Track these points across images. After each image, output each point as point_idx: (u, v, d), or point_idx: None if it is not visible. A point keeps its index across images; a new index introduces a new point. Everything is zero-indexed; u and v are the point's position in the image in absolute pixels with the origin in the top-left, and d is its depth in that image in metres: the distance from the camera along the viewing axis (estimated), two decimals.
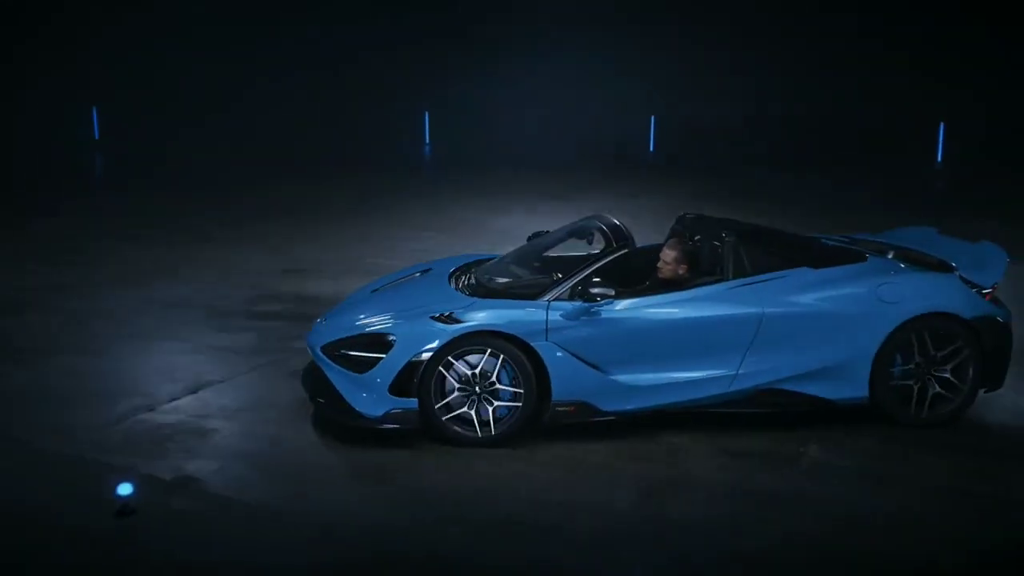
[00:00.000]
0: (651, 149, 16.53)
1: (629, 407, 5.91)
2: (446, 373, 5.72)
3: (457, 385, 5.73)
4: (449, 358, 5.69)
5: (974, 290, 6.08)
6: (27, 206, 12.49)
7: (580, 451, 5.79)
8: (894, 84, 18.92)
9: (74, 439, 5.88)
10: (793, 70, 19.57)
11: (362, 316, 6.16)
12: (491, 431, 5.75)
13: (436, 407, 5.73)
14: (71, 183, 14.23)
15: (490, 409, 5.75)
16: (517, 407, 5.75)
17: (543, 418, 5.86)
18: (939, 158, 16.57)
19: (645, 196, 12.86)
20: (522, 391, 5.73)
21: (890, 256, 6.44)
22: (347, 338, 5.97)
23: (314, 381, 6.14)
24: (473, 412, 5.77)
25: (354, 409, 5.81)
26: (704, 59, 20.37)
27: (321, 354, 6.01)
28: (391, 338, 5.83)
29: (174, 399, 6.48)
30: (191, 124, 18.15)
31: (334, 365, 5.91)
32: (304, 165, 15.44)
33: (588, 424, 5.90)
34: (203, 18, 22.34)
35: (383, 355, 5.78)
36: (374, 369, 5.78)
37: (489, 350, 5.69)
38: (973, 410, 6.16)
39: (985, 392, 6.15)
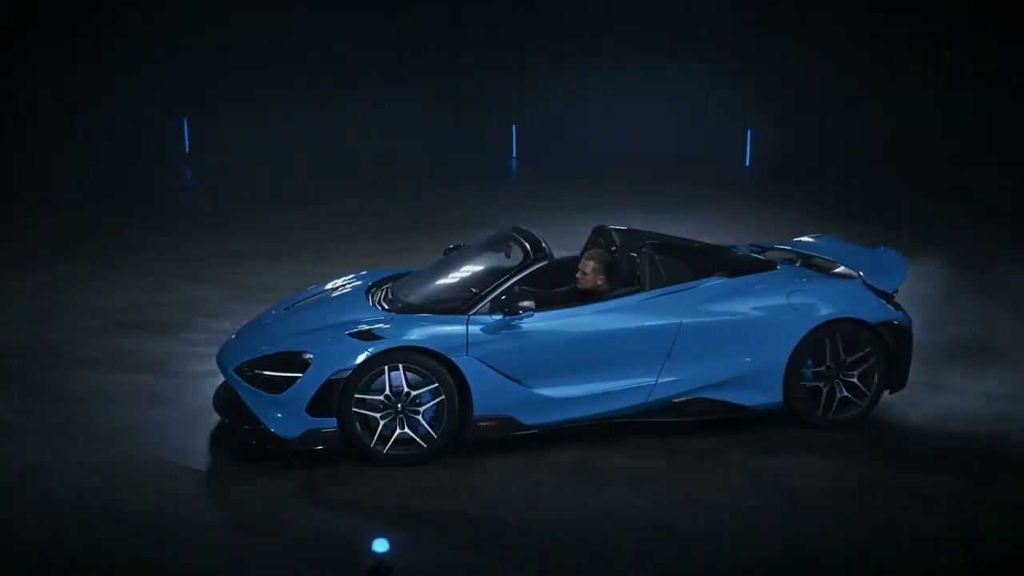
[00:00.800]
0: (746, 164, 15.70)
1: (551, 420, 5.89)
2: (384, 377, 5.61)
3: (385, 393, 5.62)
4: (381, 368, 5.58)
5: (877, 295, 6.30)
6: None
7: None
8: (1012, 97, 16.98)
9: None
10: (905, 82, 18.10)
11: (277, 334, 5.99)
12: (384, 448, 5.64)
13: (355, 397, 5.58)
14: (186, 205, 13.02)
15: (397, 431, 5.65)
16: (422, 445, 5.67)
17: (465, 433, 5.79)
18: None
19: (742, 211, 11.85)
20: (435, 435, 5.66)
21: (798, 264, 6.62)
22: (261, 357, 5.79)
23: (227, 402, 5.93)
24: (383, 422, 5.64)
25: (269, 431, 5.64)
26: (803, 70, 18.81)
27: (234, 374, 5.82)
28: (307, 356, 5.68)
29: None
30: (278, 136, 17.19)
31: (248, 386, 5.73)
32: (400, 178, 14.34)
33: (512, 438, 5.87)
34: (293, 24, 21.38)
35: (300, 374, 5.63)
36: (290, 389, 5.63)
37: (434, 383, 5.63)
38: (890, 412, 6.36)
39: (890, 393, 6.36)
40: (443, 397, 5.67)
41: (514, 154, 16.41)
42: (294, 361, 5.68)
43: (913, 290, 6.92)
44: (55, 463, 5.75)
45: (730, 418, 6.15)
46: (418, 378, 5.67)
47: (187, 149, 16.29)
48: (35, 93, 18.90)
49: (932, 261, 7.81)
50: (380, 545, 4.54)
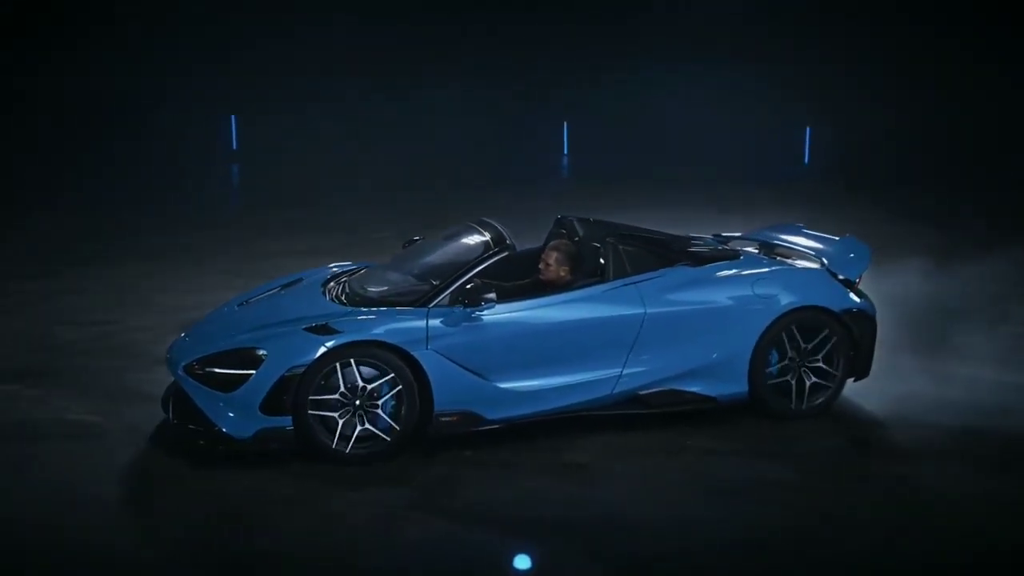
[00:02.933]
0: (805, 162, 15.22)
1: (515, 414, 5.74)
2: (337, 375, 5.42)
3: (340, 390, 5.43)
4: (336, 366, 5.39)
5: (840, 283, 6.25)
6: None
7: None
8: None
9: None
10: (966, 77, 17.53)
11: (229, 330, 5.77)
12: (346, 448, 5.46)
13: (312, 423, 5.41)
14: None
15: (358, 428, 5.46)
16: (385, 439, 5.50)
17: (427, 429, 5.62)
18: None
19: (802, 210, 11.05)
20: (398, 428, 5.50)
21: (761, 253, 6.55)
22: (212, 354, 5.57)
23: (175, 403, 5.70)
24: (341, 421, 5.45)
25: (221, 431, 5.42)
26: (864, 65, 18.24)
27: (183, 373, 5.59)
28: (261, 352, 5.47)
29: None
30: (324, 131, 16.62)
31: (197, 384, 5.50)
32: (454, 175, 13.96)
33: (474, 433, 5.71)
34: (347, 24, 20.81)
35: (252, 371, 5.42)
36: (243, 387, 5.41)
37: (389, 374, 5.45)
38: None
39: (854, 381, 6.31)
40: (400, 387, 5.49)
41: (565, 151, 16.11)
42: (247, 358, 5.47)
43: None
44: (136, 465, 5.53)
45: (696, 409, 6.05)
46: (373, 371, 5.49)
47: (234, 146, 15.99)
48: (79, 91, 18.57)
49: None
50: (523, 562, 4.41)
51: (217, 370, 5.49)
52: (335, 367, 5.42)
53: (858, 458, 5.81)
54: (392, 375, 5.47)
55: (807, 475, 5.56)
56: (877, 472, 5.62)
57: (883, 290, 6.95)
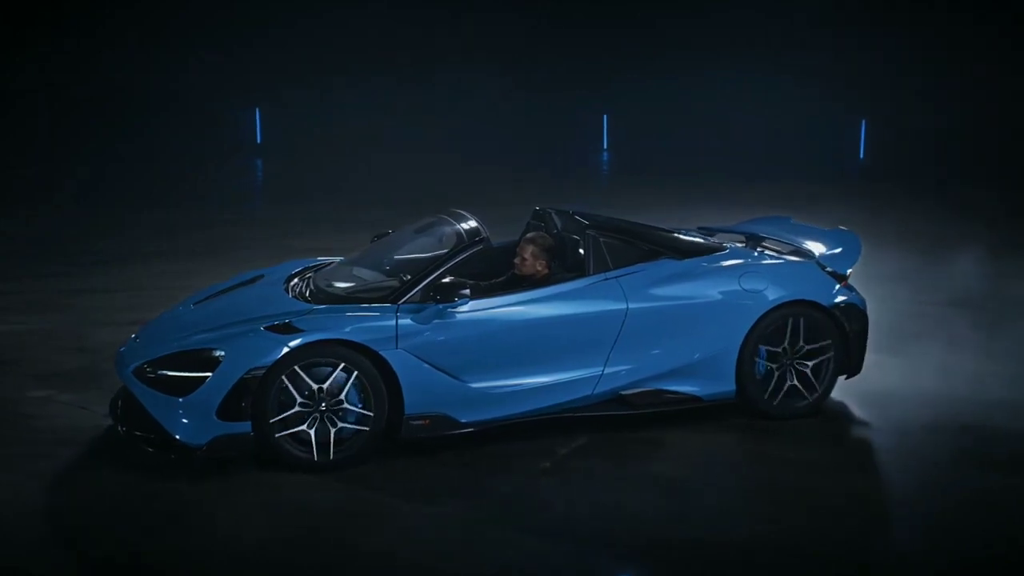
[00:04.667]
0: (860, 157, 14.65)
1: (490, 416, 5.41)
2: (288, 386, 5.05)
3: (299, 400, 5.08)
4: (295, 368, 5.04)
5: (831, 277, 5.98)
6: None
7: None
8: None
9: None
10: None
11: (183, 331, 5.40)
12: (329, 455, 5.12)
13: (271, 422, 5.05)
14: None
15: (332, 431, 5.12)
16: (364, 429, 5.16)
17: (398, 433, 5.28)
18: None
19: (859, 208, 10.78)
20: (371, 414, 5.15)
21: (749, 245, 6.26)
22: (165, 356, 5.19)
23: (125, 409, 5.32)
24: (313, 432, 5.12)
25: (174, 438, 5.04)
26: (921, 56, 17.64)
27: (132, 376, 5.20)
28: (218, 354, 5.10)
29: None
30: (359, 122, 16.03)
31: (148, 388, 5.12)
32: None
33: (448, 438, 5.38)
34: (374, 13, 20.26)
35: (208, 373, 5.05)
36: (198, 390, 5.04)
37: (340, 364, 5.09)
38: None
39: (846, 379, 6.03)
40: (356, 372, 5.12)
41: (605, 145, 15.54)
42: (202, 359, 5.10)
43: None
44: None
45: (682, 410, 5.75)
46: (323, 369, 5.11)
47: (259, 140, 15.50)
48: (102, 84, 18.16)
49: None
50: None
51: (170, 373, 5.11)
52: (283, 382, 5.03)
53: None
54: (341, 364, 5.10)
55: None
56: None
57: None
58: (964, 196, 12.03)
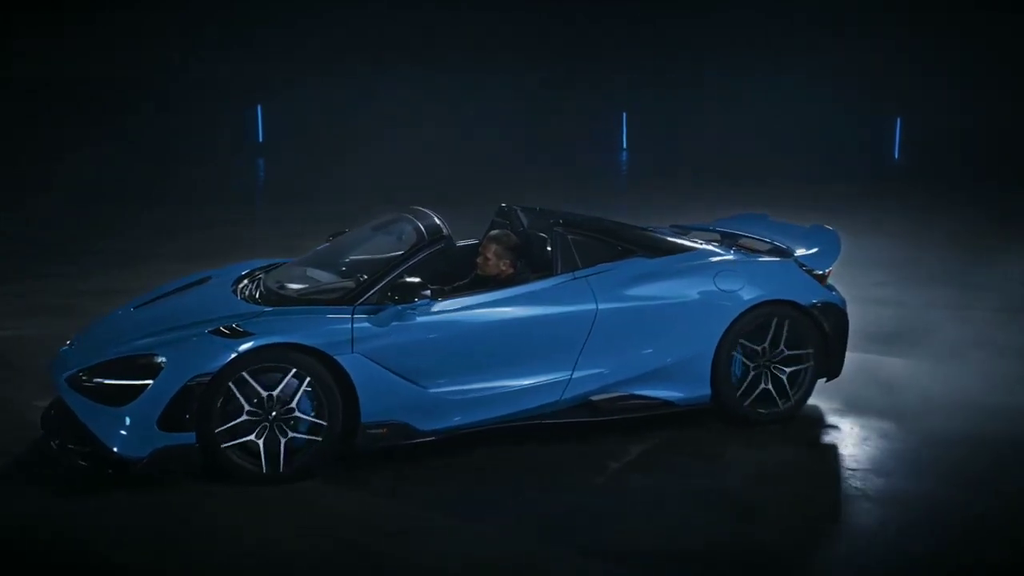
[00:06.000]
0: (895, 157, 14.24)
1: (451, 424, 5.11)
2: (236, 393, 4.72)
3: (247, 408, 4.74)
4: (244, 374, 4.71)
5: (810, 275, 5.74)
6: None
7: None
8: None
9: None
10: None
11: (123, 335, 5.04)
12: (279, 466, 4.79)
13: (217, 432, 4.72)
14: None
15: (283, 440, 4.80)
16: (316, 439, 4.83)
17: (355, 442, 4.96)
18: None
19: (896, 212, 10.41)
20: (324, 423, 4.83)
21: (725, 244, 6.02)
22: (102, 363, 4.83)
23: (56, 420, 4.95)
24: (262, 442, 4.79)
25: (111, 451, 4.68)
26: (959, 53, 17.12)
27: (66, 385, 4.84)
28: (159, 360, 4.76)
29: None
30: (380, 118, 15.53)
31: (83, 398, 4.76)
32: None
33: (407, 447, 5.06)
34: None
35: (149, 381, 4.71)
36: (138, 399, 4.69)
37: (291, 370, 4.77)
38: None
39: (826, 382, 5.79)
40: (308, 378, 4.80)
41: (624, 145, 15.05)
42: (143, 366, 4.75)
43: None
44: None
45: (654, 416, 5.47)
46: (274, 375, 4.79)
47: (260, 139, 15.06)
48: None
49: None
50: None
51: (107, 381, 4.76)
52: (231, 388, 4.70)
53: None
54: (293, 370, 4.78)
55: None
56: None
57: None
58: (1004, 199, 11.67)
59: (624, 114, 15.70)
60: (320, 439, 4.83)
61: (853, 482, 4.99)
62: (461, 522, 4.57)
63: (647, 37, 19.60)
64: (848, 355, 5.79)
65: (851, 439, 5.46)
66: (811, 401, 5.74)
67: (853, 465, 5.17)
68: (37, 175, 13.05)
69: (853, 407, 5.81)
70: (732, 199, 11.12)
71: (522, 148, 14.63)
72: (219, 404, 4.70)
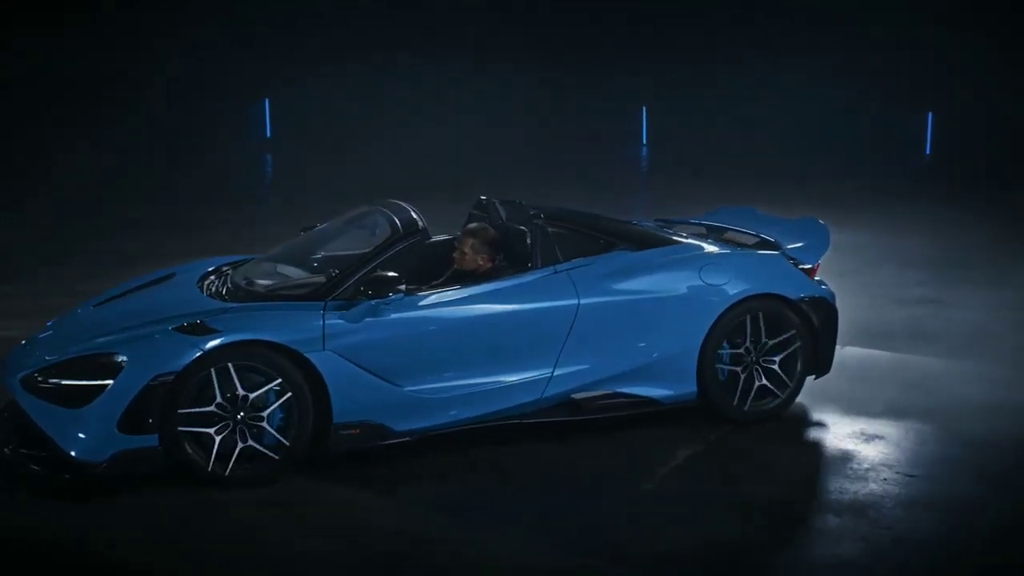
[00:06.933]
0: (927, 152, 13.76)
1: (426, 424, 4.90)
2: (214, 381, 4.52)
3: (218, 400, 4.53)
4: (228, 365, 4.51)
5: (798, 269, 5.58)
6: None
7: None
8: None
9: None
10: None
11: (82, 334, 4.81)
12: (225, 469, 4.56)
13: (180, 412, 4.49)
14: None
15: (240, 446, 4.58)
16: (274, 457, 4.63)
17: (325, 444, 4.75)
18: None
19: (928, 211, 9.99)
20: (287, 443, 4.63)
21: (711, 237, 5.85)
22: (59, 363, 4.60)
23: (8, 423, 4.71)
24: (219, 439, 4.56)
25: (69, 455, 4.45)
26: (991, 45, 16.48)
27: (19, 386, 4.60)
28: (120, 359, 4.53)
29: None
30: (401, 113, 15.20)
31: (38, 400, 4.52)
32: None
33: (380, 448, 4.85)
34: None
35: (109, 381, 4.48)
36: (97, 400, 4.46)
37: (277, 379, 4.58)
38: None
39: (815, 379, 5.62)
40: (290, 394, 4.62)
41: (644, 140, 14.76)
42: (102, 365, 4.52)
43: None
44: None
45: (638, 414, 5.28)
46: (258, 377, 4.60)
47: (268, 135, 14.69)
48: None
49: None
50: None
51: (64, 381, 4.52)
52: (210, 373, 4.52)
53: None
54: (278, 380, 4.59)
55: None
56: None
57: None
58: None
59: (644, 108, 15.42)
60: (276, 459, 4.62)
61: (870, 483, 4.81)
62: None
63: (677, 29, 19.32)
64: (881, 354, 5.60)
65: (867, 439, 5.26)
66: (841, 400, 5.57)
67: (879, 464, 4.98)
68: (37, 174, 12.76)
69: (891, 409, 5.55)
70: (760, 198, 10.77)
71: (522, 148, 14.49)
72: (192, 387, 4.47)
